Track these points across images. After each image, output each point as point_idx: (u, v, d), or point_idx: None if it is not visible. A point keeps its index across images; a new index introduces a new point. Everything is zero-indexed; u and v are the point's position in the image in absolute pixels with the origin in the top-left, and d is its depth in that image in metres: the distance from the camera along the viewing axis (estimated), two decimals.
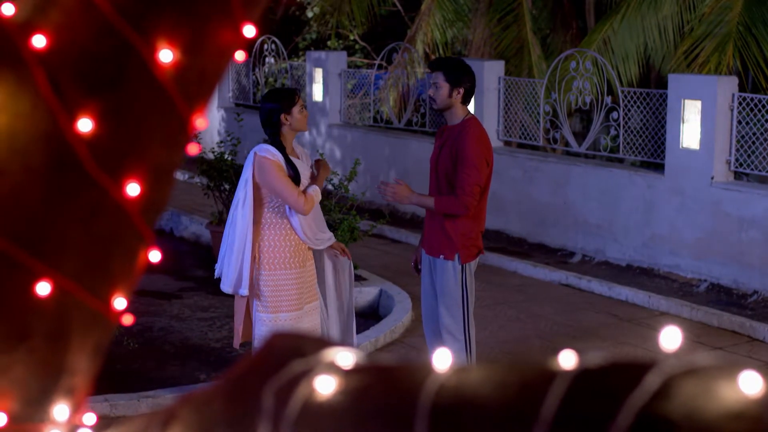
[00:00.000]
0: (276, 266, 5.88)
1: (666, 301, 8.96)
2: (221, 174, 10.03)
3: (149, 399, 6.55)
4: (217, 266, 6.03)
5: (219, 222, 10.21)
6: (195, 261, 10.29)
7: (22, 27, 1.28)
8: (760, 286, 9.02)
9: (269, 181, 5.80)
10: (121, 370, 7.06)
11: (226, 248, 5.93)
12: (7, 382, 1.28)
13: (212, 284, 9.56)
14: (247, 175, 5.87)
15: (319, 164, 6.13)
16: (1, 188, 1.27)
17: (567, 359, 0.90)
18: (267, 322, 5.87)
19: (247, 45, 1.40)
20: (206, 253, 10.52)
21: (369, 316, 8.81)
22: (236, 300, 5.99)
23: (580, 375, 0.88)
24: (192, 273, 9.86)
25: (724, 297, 9.12)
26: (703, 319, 8.60)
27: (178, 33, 1.29)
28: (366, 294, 9.07)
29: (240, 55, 1.36)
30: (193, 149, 1.37)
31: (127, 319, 1.36)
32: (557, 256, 10.59)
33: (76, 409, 1.34)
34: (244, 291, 5.86)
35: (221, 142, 10.51)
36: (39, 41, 1.26)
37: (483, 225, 6.15)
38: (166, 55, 1.27)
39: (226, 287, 5.93)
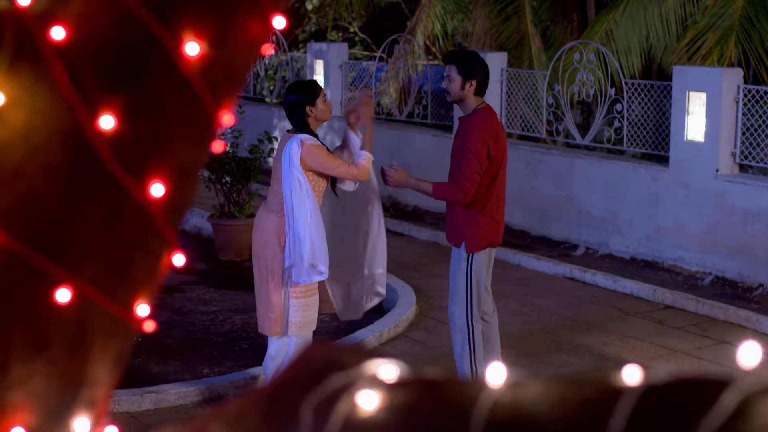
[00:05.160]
0: None
1: (671, 295, 8.91)
2: (222, 166, 9.98)
3: (152, 394, 6.52)
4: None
5: (220, 215, 10.17)
6: (197, 254, 10.22)
7: (40, 18, 1.21)
8: (766, 280, 8.97)
9: (323, 163, 5.87)
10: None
11: (293, 238, 5.92)
12: (26, 393, 1.22)
13: (214, 278, 9.54)
14: (294, 162, 5.86)
15: (360, 107, 6.21)
16: (19, 189, 1.21)
17: (631, 374, 0.85)
18: (300, 307, 5.96)
19: None
20: (208, 246, 10.47)
21: (372, 310, 8.73)
22: (272, 288, 5.96)
23: (648, 392, 0.83)
24: (194, 266, 9.80)
25: (729, 290, 9.08)
26: (708, 312, 8.56)
27: (205, 24, 1.22)
28: None
29: (267, 49, 1.30)
30: (218, 147, 1.30)
31: (150, 326, 1.30)
32: (560, 249, 10.54)
33: (97, 422, 1.28)
34: (323, 267, 5.90)
35: (222, 134, 10.44)
36: (58, 33, 1.20)
37: (500, 216, 6.12)
38: (192, 48, 1.21)
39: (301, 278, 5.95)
